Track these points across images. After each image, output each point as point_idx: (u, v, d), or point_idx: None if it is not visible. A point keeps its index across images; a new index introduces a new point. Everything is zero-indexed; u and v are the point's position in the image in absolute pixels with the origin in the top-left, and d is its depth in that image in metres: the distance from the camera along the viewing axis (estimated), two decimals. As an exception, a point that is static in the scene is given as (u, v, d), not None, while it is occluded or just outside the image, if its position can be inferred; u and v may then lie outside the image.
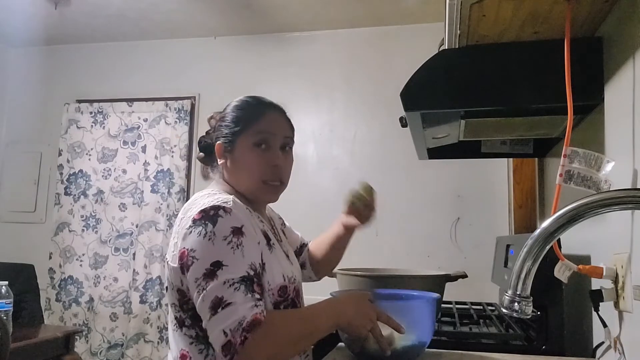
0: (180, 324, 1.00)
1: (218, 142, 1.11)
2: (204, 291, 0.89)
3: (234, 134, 1.09)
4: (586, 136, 1.35)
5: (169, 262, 1.01)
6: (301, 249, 1.37)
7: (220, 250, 0.92)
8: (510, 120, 1.46)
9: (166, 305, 2.98)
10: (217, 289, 0.88)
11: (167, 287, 1.04)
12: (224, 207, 0.95)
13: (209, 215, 0.94)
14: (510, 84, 1.26)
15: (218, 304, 0.87)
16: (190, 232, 0.94)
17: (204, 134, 1.20)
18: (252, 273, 0.92)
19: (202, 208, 0.96)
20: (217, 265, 0.90)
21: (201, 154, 1.20)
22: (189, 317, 0.99)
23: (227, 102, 1.17)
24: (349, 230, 1.30)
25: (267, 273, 1.00)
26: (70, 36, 3.33)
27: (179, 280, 0.97)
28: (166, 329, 2.98)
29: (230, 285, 0.88)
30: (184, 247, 0.94)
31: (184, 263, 0.94)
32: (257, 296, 0.90)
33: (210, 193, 1.04)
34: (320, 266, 1.36)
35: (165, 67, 3.30)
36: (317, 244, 1.36)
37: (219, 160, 1.12)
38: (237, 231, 0.94)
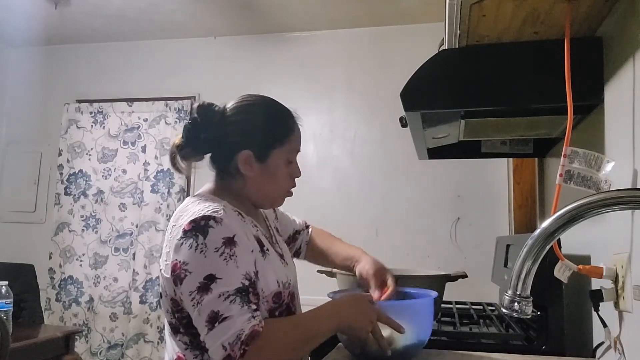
0: (174, 330, 1.00)
1: (246, 150, 1.04)
2: (200, 305, 0.88)
3: (269, 146, 1.06)
4: (586, 136, 1.35)
5: (162, 271, 0.99)
6: (295, 235, 1.35)
7: (213, 262, 0.90)
8: (510, 120, 1.46)
9: (166, 305, 2.98)
10: (213, 303, 0.87)
11: (161, 294, 1.03)
12: (214, 217, 0.93)
13: (200, 226, 0.92)
14: (510, 84, 1.26)
15: (215, 318, 0.86)
16: (182, 243, 0.92)
17: (191, 124, 1.05)
18: (247, 283, 0.91)
19: (193, 218, 0.93)
20: (210, 278, 0.88)
21: (185, 149, 1.05)
22: (182, 325, 0.98)
23: (227, 102, 1.10)
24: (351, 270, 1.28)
25: (260, 281, 0.98)
26: (70, 36, 3.33)
27: (172, 290, 0.96)
28: (166, 329, 2.98)
29: (225, 298, 0.87)
30: (176, 259, 0.92)
31: (177, 275, 0.92)
32: (254, 307, 0.89)
33: (201, 200, 1.01)
34: (313, 260, 1.37)
35: (165, 67, 3.30)
36: (326, 247, 1.34)
37: (242, 167, 1.04)
38: (229, 241, 0.92)
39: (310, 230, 1.39)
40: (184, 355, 0.99)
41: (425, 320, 1.08)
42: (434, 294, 1.15)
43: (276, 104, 1.13)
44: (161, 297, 1.02)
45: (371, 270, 1.21)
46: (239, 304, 0.87)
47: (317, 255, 1.35)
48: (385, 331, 1.00)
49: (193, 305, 0.89)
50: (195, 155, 1.07)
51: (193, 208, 0.97)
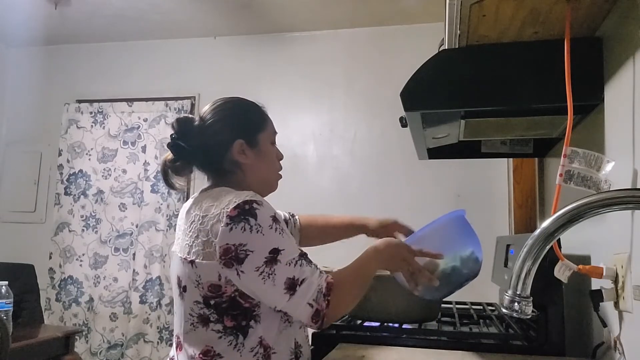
0: (204, 321, 1.00)
1: (238, 140, 1.11)
2: (273, 276, 0.97)
3: (255, 131, 1.15)
4: (586, 136, 1.35)
5: (194, 260, 1.00)
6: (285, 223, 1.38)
7: (272, 238, 0.99)
8: (510, 120, 1.46)
9: (167, 305, 2.98)
10: (286, 271, 0.97)
11: (185, 287, 1.02)
12: (255, 200, 1.00)
13: (246, 210, 0.98)
14: (510, 84, 1.26)
15: (294, 284, 0.97)
16: (231, 228, 0.97)
17: (176, 138, 1.10)
18: (300, 251, 1.03)
19: (235, 205, 0.98)
20: (275, 251, 0.98)
21: (177, 163, 1.11)
22: (214, 312, 0.99)
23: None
24: (359, 232, 1.40)
25: None
26: (70, 36, 3.33)
27: (216, 275, 0.98)
28: (166, 329, 2.98)
29: (295, 264, 0.99)
30: (228, 243, 0.97)
31: (233, 258, 0.96)
32: (316, 265, 1.03)
33: (229, 191, 1.05)
34: (313, 241, 1.43)
35: (165, 67, 3.30)
36: (325, 222, 1.44)
37: (238, 157, 1.11)
38: (275, 219, 1.01)
39: (297, 217, 1.44)
40: (214, 345, 0.99)
41: (460, 237, 1.12)
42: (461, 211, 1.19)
43: (244, 99, 1.21)
44: (185, 290, 1.02)
45: (383, 229, 1.40)
46: (307, 265, 1.01)
47: (317, 233, 1.42)
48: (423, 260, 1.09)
49: (263, 279, 0.97)
50: (187, 167, 1.14)
51: (225, 198, 1.02)
